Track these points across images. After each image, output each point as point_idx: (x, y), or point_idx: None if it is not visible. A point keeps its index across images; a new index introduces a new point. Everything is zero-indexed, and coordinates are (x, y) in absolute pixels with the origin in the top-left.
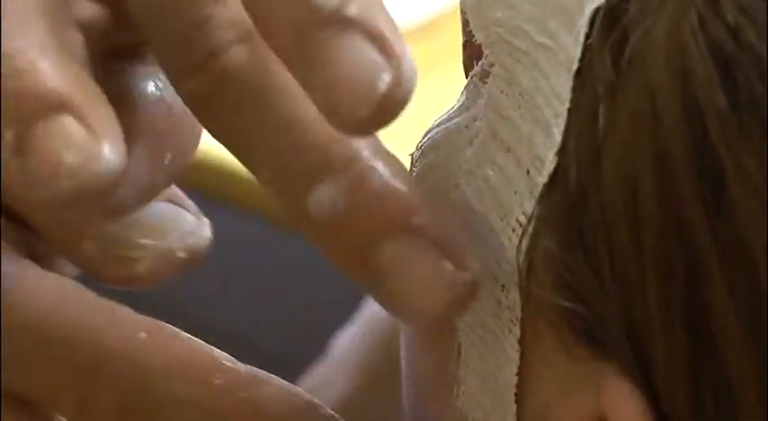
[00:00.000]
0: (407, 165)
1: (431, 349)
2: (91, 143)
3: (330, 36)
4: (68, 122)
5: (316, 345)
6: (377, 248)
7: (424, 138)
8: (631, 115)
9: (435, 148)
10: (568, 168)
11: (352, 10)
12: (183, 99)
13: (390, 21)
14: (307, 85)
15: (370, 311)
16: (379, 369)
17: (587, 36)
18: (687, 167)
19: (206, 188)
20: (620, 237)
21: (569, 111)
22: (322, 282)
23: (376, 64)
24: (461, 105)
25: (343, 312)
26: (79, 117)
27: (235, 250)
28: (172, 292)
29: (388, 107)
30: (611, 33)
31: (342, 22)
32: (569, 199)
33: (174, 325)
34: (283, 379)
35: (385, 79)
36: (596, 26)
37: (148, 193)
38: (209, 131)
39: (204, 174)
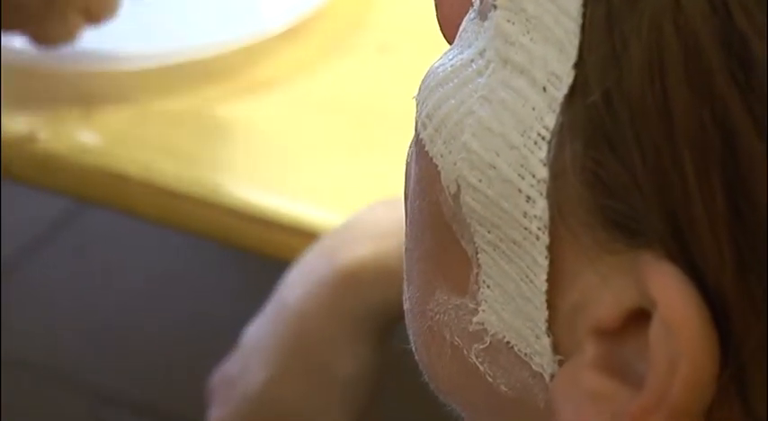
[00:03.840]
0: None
1: (445, 277)
2: None
3: None
4: None
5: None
6: None
7: (425, 80)
8: (653, 14)
9: (443, 83)
10: (588, 77)
11: None
12: None
13: None
14: None
15: (280, 301)
16: (294, 357)
17: None
18: (714, 49)
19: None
20: (650, 129)
21: (582, 25)
22: None
23: None
24: (461, 45)
25: None
26: None
27: None
28: None
29: None
30: None
31: None
32: (593, 105)
33: None
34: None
35: None
36: None
37: None
38: None
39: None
